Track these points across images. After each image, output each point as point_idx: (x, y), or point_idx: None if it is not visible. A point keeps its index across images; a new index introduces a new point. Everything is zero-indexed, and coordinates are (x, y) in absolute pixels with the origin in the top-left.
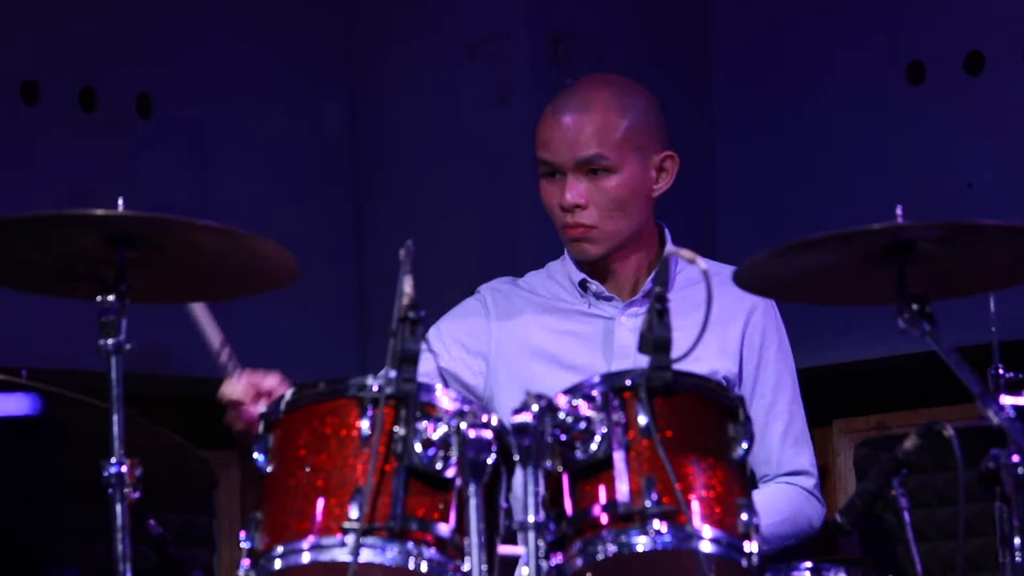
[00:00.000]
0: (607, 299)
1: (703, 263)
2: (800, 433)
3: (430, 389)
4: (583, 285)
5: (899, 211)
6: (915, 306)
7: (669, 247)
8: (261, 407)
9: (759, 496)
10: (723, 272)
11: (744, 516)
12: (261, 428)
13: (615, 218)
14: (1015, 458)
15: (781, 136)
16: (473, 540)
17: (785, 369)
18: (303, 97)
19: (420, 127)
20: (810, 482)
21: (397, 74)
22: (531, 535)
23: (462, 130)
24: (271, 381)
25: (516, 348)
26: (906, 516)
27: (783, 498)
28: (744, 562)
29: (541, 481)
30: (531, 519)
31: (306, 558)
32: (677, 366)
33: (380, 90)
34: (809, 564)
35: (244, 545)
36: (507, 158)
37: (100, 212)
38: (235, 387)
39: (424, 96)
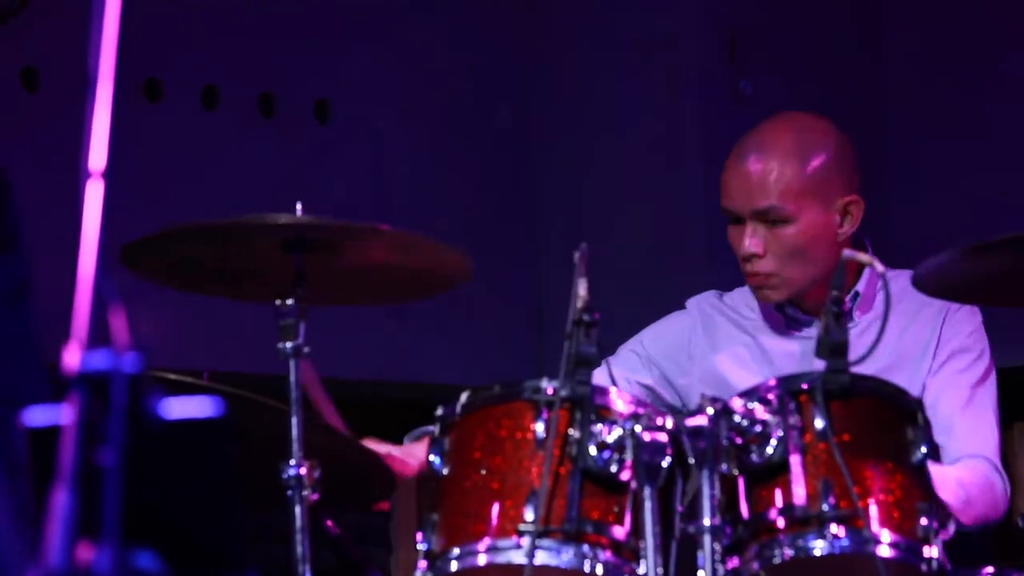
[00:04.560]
0: (805, 323)
1: (880, 266)
2: (982, 413)
3: (604, 392)
4: (780, 308)
5: None
6: None
7: (846, 252)
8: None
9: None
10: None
11: (924, 520)
12: (437, 431)
13: (793, 266)
14: None
15: (955, 136)
16: (648, 543)
17: (972, 369)
18: (478, 99)
19: (593, 126)
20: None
21: (570, 73)
22: (707, 539)
23: (635, 129)
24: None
25: (715, 366)
26: None
27: (970, 474)
28: (924, 567)
29: (717, 484)
30: (707, 523)
31: (482, 560)
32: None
33: (553, 89)
34: (991, 569)
35: (421, 547)
36: (679, 158)
37: (282, 220)
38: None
39: (596, 95)
